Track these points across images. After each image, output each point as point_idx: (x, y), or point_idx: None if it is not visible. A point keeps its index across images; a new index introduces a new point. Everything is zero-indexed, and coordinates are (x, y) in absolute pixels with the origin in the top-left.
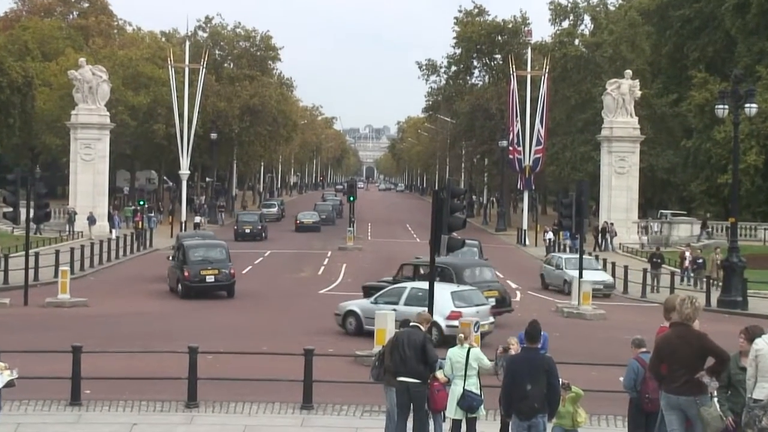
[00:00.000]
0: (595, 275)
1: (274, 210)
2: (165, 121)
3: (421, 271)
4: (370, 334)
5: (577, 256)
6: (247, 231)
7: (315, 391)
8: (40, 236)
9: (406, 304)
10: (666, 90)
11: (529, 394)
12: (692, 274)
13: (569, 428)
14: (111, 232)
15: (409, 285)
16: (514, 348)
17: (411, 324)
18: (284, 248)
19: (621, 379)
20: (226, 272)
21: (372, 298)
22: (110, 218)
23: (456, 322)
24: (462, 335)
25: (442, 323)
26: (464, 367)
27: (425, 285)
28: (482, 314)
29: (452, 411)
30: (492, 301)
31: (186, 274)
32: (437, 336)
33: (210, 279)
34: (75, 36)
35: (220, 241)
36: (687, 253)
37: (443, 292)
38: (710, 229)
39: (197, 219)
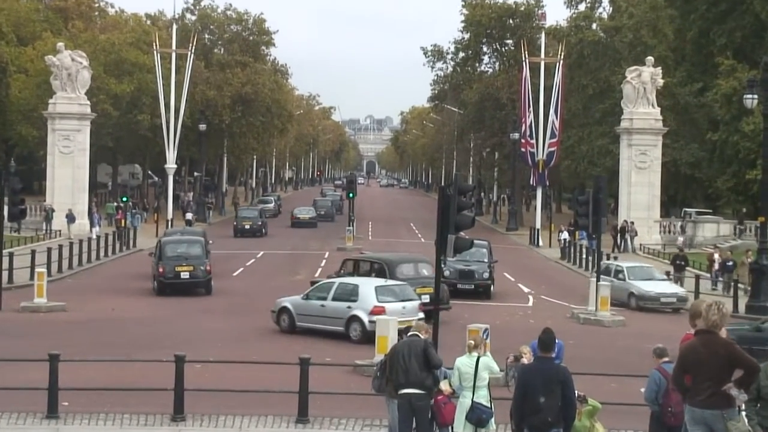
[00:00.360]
0: (663, 287)
1: (271, 206)
2: (150, 111)
3: (360, 267)
4: (305, 332)
5: (641, 264)
6: (247, 227)
7: (311, 403)
8: (16, 235)
9: (334, 299)
10: (690, 78)
11: (543, 407)
12: (722, 278)
13: None
14: (91, 230)
15: (337, 280)
16: (527, 357)
17: (409, 333)
18: (279, 248)
19: (642, 390)
20: (202, 269)
21: (303, 294)
22: (90, 216)
23: (380, 317)
24: (471, 342)
25: (365, 318)
26: (473, 378)
27: (354, 280)
28: (409, 310)
29: (460, 425)
30: (425, 298)
31: (161, 270)
32: (360, 332)
33: (185, 275)
34: (53, 18)
35: (197, 237)
36: (716, 256)
37: (368, 286)
38: (744, 228)
39: (189, 216)
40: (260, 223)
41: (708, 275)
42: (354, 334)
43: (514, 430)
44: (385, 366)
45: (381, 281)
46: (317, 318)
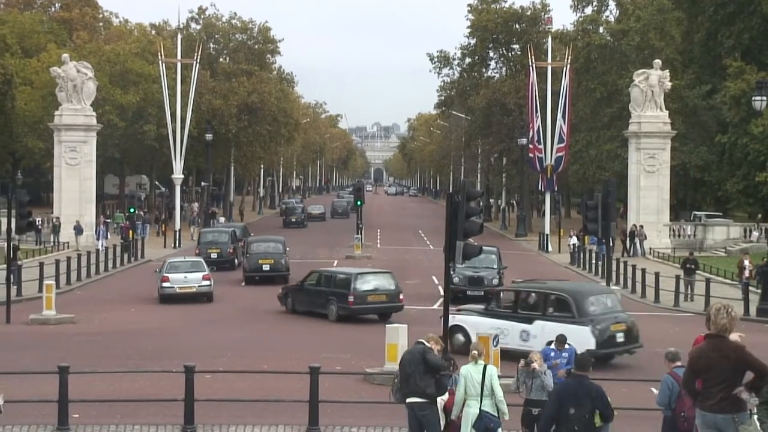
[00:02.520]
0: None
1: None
2: (156, 121)
3: (528, 300)
4: (313, 339)
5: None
6: (293, 220)
7: (321, 412)
8: (24, 248)
9: None
10: (698, 81)
11: (572, 417)
12: (758, 286)
13: None
14: (98, 242)
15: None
16: (538, 362)
17: (417, 341)
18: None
19: (653, 390)
20: (282, 262)
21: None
22: (96, 228)
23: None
24: (475, 352)
25: None
26: (480, 386)
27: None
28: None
29: None
30: (620, 337)
31: (246, 266)
32: None
33: (266, 268)
34: (57, 30)
35: (278, 238)
36: (746, 262)
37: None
38: (760, 232)
39: (221, 219)
40: (303, 217)
41: (737, 282)
42: None
43: None
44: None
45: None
46: None
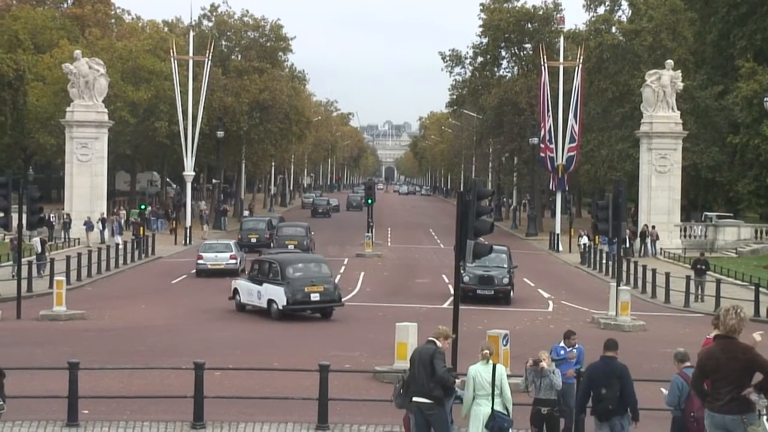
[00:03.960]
0: None
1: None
2: (167, 118)
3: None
4: (323, 337)
5: None
6: (320, 210)
7: (331, 410)
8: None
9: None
10: (710, 81)
11: (604, 397)
12: None
13: None
14: (114, 236)
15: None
16: (546, 361)
17: (428, 339)
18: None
19: (663, 390)
20: (263, 235)
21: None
22: (104, 224)
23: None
24: (487, 351)
25: None
26: (491, 386)
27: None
28: None
29: None
30: None
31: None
32: None
33: (254, 240)
34: (69, 26)
35: (265, 218)
36: None
37: None
38: None
39: (245, 213)
40: (329, 208)
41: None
42: None
43: (573, 415)
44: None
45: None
46: None
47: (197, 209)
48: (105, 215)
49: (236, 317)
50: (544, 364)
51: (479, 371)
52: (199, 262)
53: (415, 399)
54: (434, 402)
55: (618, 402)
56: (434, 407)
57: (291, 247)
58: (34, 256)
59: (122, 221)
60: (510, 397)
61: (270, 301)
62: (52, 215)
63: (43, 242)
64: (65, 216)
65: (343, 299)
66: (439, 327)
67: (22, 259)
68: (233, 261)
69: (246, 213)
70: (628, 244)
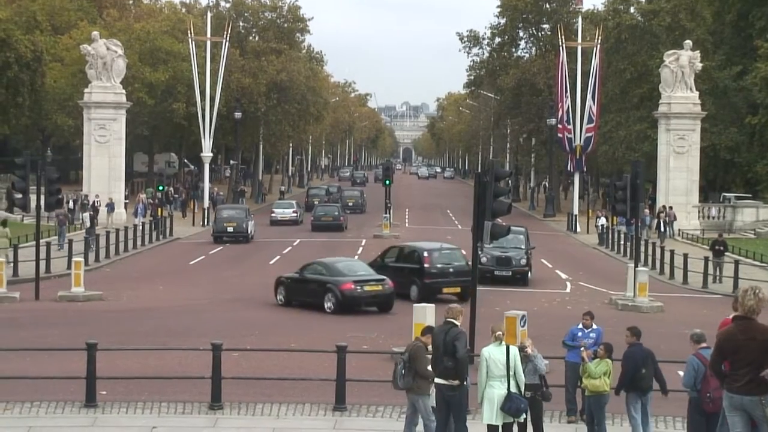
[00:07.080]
0: None
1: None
2: (185, 99)
3: None
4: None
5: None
6: (358, 181)
7: (348, 391)
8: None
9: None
10: (729, 62)
11: (644, 376)
12: None
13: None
14: (137, 217)
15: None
16: (530, 347)
17: (445, 319)
18: (315, 237)
19: (680, 373)
20: (335, 214)
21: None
22: (135, 205)
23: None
24: (500, 333)
25: None
26: (506, 367)
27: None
28: None
29: (492, 415)
30: None
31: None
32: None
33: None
34: (88, 7)
35: (291, 201)
36: None
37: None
38: None
39: (282, 188)
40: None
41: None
42: None
43: (616, 391)
44: (408, 363)
45: None
46: None
47: (215, 194)
48: (143, 196)
49: (254, 297)
50: (528, 349)
51: (492, 353)
52: (273, 215)
53: (436, 381)
54: (456, 384)
55: (651, 380)
56: (454, 389)
57: (230, 229)
58: (84, 230)
59: (146, 202)
60: (524, 379)
61: None
62: (73, 196)
63: (91, 217)
64: (83, 197)
65: None
66: (451, 306)
67: (41, 240)
68: (294, 214)
69: (283, 188)
70: (653, 227)
